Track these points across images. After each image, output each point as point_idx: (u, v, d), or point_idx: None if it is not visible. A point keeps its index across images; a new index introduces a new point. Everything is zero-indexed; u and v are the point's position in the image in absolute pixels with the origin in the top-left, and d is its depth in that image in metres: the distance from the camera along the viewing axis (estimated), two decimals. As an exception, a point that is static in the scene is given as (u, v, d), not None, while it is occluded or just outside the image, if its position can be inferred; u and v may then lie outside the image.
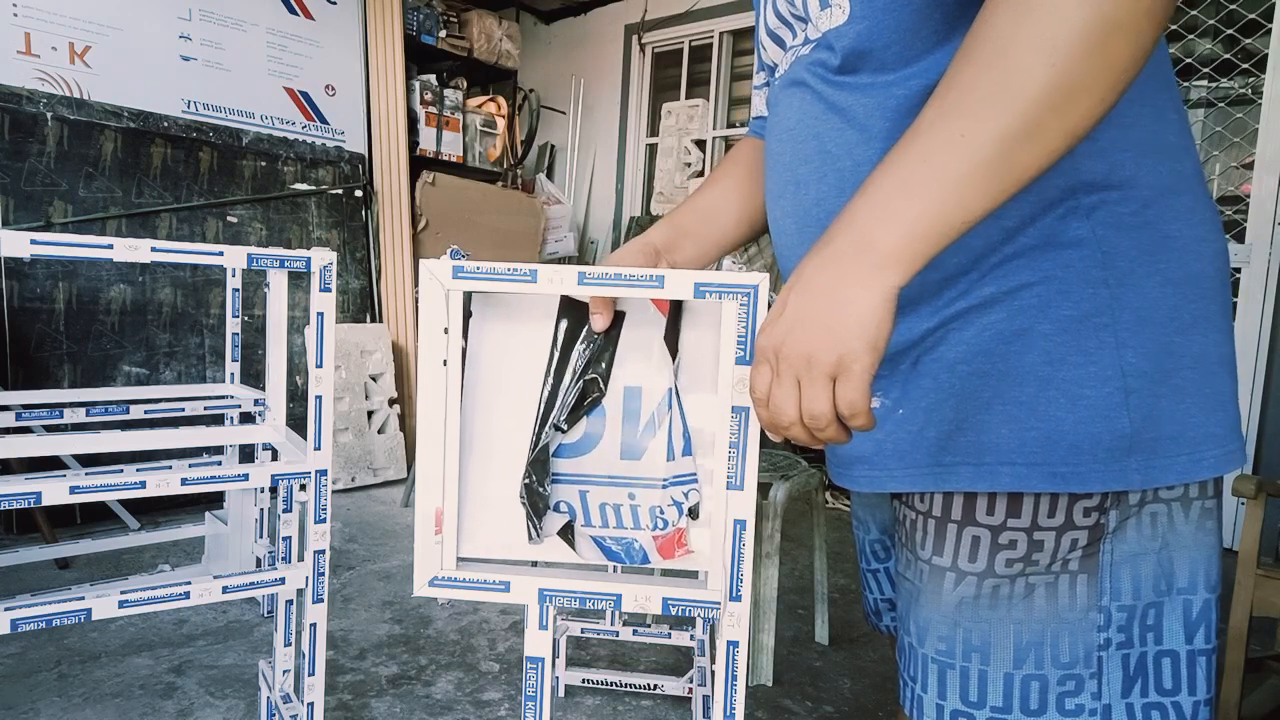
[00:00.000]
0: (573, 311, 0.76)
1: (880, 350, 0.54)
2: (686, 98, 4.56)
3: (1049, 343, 0.65)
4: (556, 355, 0.77)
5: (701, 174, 4.48)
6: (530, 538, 0.78)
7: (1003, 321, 0.66)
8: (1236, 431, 0.68)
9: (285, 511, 1.55)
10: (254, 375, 3.08)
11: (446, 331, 0.77)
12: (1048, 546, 0.67)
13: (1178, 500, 0.68)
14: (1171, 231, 0.66)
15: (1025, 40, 0.50)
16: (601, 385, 0.76)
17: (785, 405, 0.58)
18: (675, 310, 0.76)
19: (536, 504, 0.77)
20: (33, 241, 1.07)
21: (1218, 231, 0.69)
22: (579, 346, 0.76)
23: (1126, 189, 0.65)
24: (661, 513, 0.76)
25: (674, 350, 0.75)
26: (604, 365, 0.76)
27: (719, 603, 0.75)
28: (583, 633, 1.83)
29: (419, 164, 3.91)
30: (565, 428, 0.76)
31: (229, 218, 3.19)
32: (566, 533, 0.78)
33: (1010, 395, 0.66)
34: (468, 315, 0.79)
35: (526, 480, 0.76)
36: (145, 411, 2.00)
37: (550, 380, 0.77)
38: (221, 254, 1.24)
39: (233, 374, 2.21)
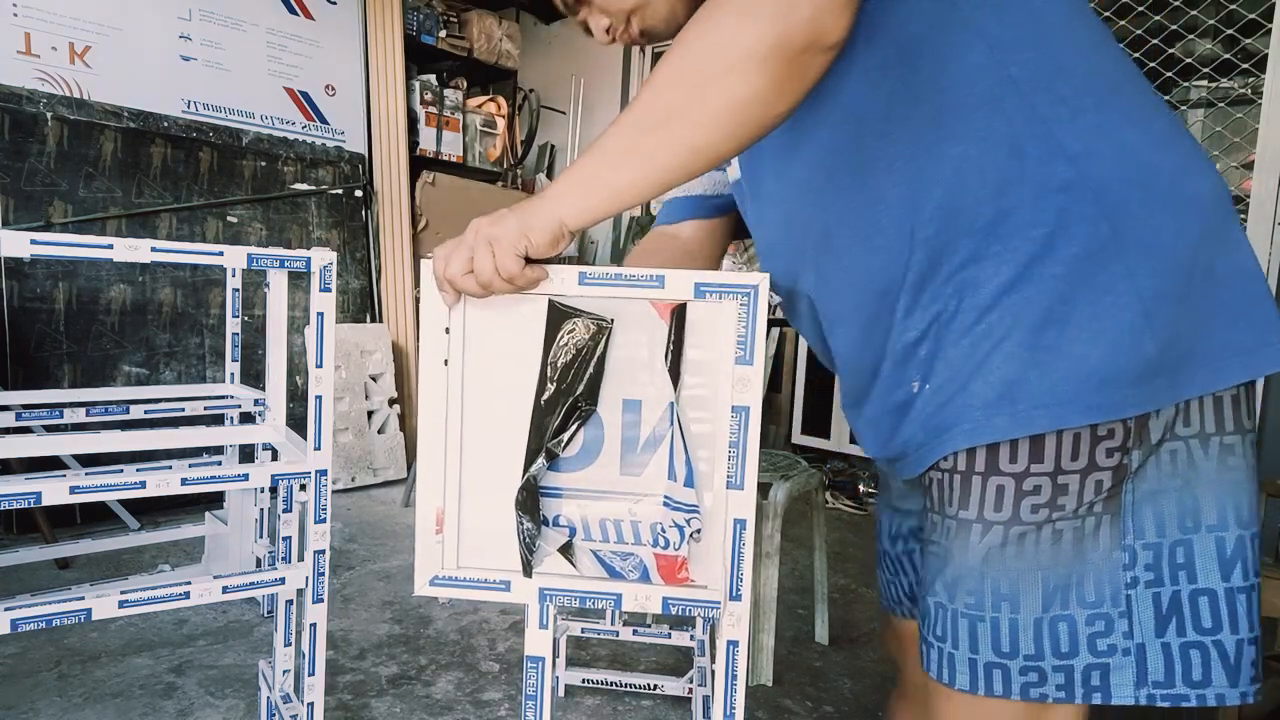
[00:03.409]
0: (559, 320, 0.75)
1: (526, 240, 0.70)
2: (686, 98, 4.55)
3: (1060, 284, 0.66)
4: (545, 370, 0.75)
5: (701, 174, 4.46)
6: (525, 573, 0.77)
7: (1012, 276, 0.68)
8: (1267, 336, 0.68)
9: (285, 511, 1.55)
10: (254, 375, 3.08)
11: (448, 331, 0.77)
12: (1072, 490, 0.68)
13: (1195, 437, 0.69)
14: (1154, 159, 0.68)
15: (664, 67, 0.66)
16: (589, 403, 0.75)
17: (457, 258, 0.71)
18: (678, 334, 0.74)
19: (529, 540, 0.76)
20: (33, 241, 1.07)
21: (1201, 156, 0.71)
22: (563, 360, 0.75)
23: (1100, 129, 0.67)
24: (663, 530, 0.75)
25: (676, 376, 0.74)
26: (591, 380, 0.74)
27: (719, 602, 0.75)
28: (583, 633, 1.83)
29: (419, 164, 3.91)
30: (557, 451, 0.75)
31: (229, 218, 3.19)
32: (566, 550, 0.77)
33: (1032, 342, 0.67)
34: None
35: (519, 519, 0.75)
36: (145, 411, 2.00)
37: (537, 399, 0.75)
38: (221, 254, 1.24)
39: (233, 374, 2.21)
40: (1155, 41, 2.68)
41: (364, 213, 3.67)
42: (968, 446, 0.71)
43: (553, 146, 4.97)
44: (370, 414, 3.49)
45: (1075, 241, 0.66)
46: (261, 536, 2.09)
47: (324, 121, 3.62)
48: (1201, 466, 0.70)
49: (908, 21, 0.69)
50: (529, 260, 0.71)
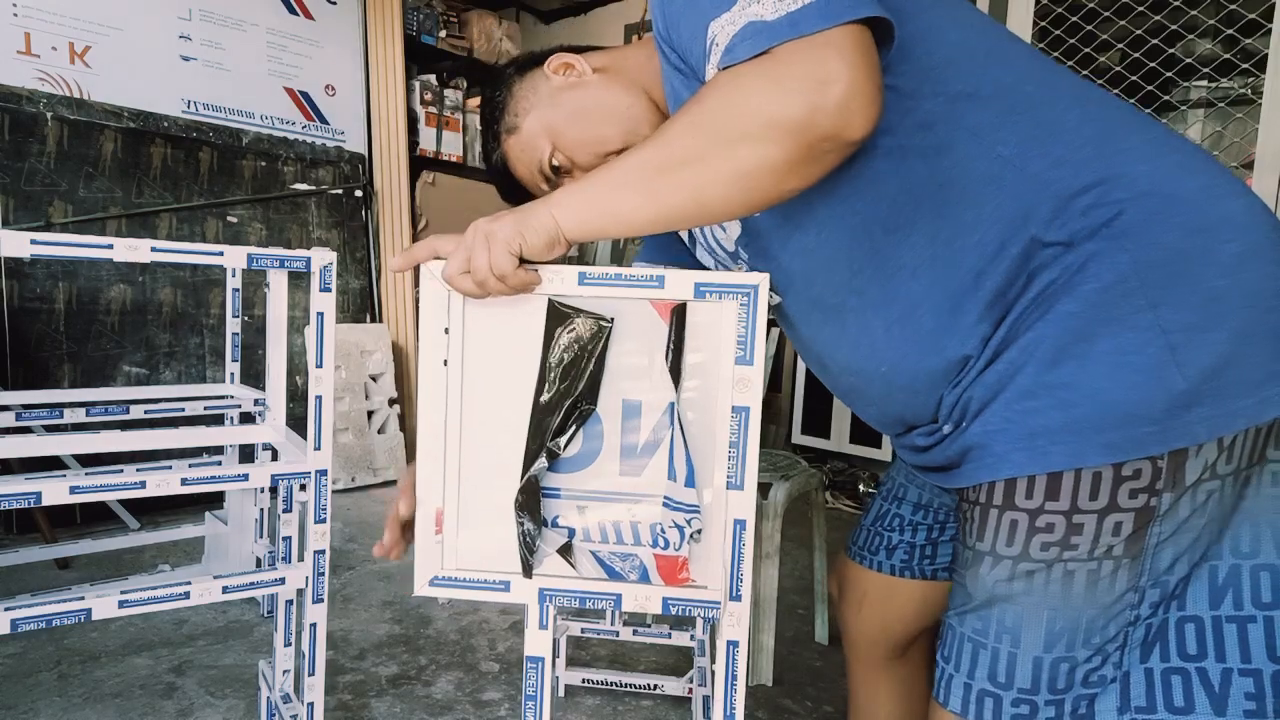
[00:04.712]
0: (559, 320, 0.75)
1: (521, 239, 0.70)
2: (686, 98, 4.55)
3: (1077, 320, 0.65)
4: (545, 370, 0.75)
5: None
6: (525, 573, 0.77)
7: (1035, 320, 0.68)
8: None
9: (285, 511, 1.55)
10: (254, 375, 3.08)
11: (447, 331, 0.77)
12: (1088, 530, 0.67)
13: (1233, 475, 0.67)
14: (1172, 189, 0.66)
15: (686, 114, 0.66)
16: (589, 403, 0.75)
17: (457, 257, 0.72)
18: (679, 334, 0.74)
19: (529, 541, 0.76)
20: (33, 241, 1.07)
21: (1228, 179, 0.69)
22: (563, 360, 0.75)
23: (1107, 176, 0.67)
24: (663, 531, 0.75)
25: (677, 376, 0.74)
26: (590, 380, 0.74)
27: (719, 602, 0.75)
28: (583, 633, 1.83)
29: (419, 164, 3.91)
30: (558, 451, 0.75)
31: (229, 218, 3.19)
32: (565, 551, 0.77)
33: (1049, 380, 0.66)
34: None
35: (519, 519, 0.75)
36: (145, 411, 2.00)
37: (536, 399, 0.75)
38: (221, 254, 1.24)
39: (233, 374, 2.21)
40: (1155, 41, 2.68)
41: (364, 213, 3.67)
42: (988, 480, 0.71)
43: (553, 146, 4.96)
44: (370, 414, 3.49)
45: (1093, 278, 0.65)
46: (261, 536, 2.09)
47: (324, 121, 3.62)
48: (1230, 503, 0.68)
49: (888, 134, 0.70)
50: (524, 262, 0.71)
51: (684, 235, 0.95)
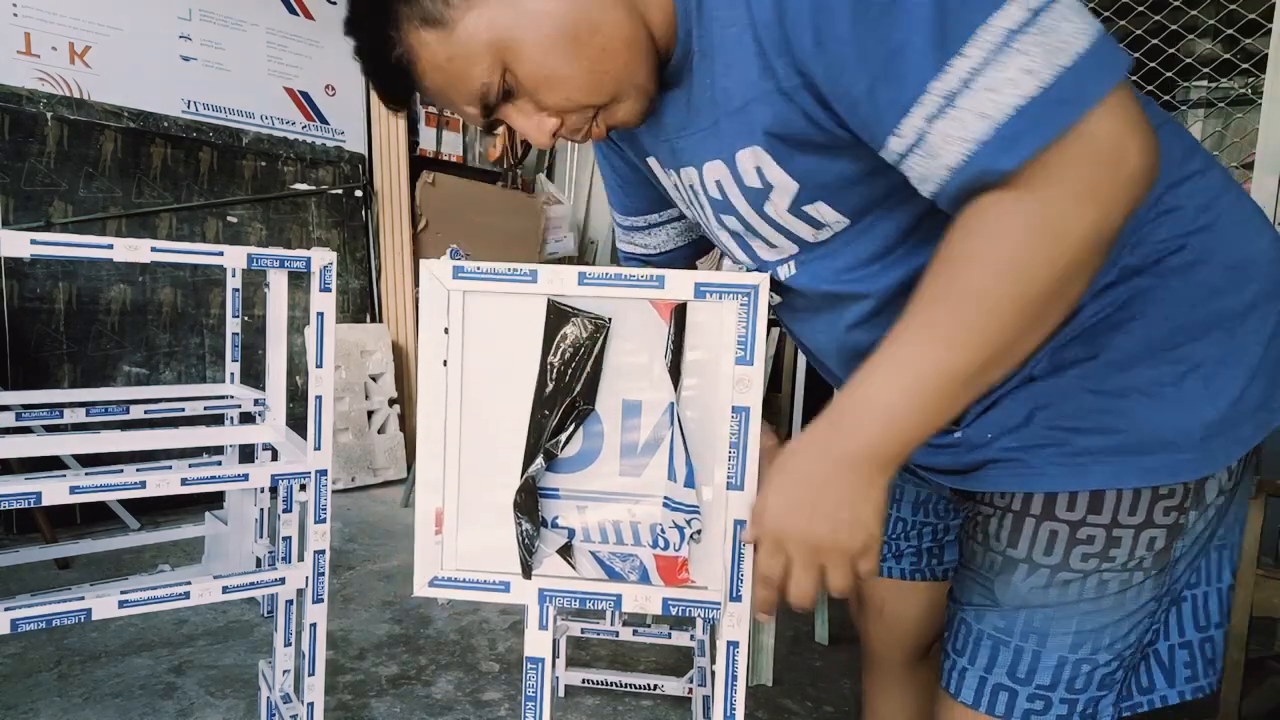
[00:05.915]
0: (558, 320, 0.75)
1: (883, 529, 0.65)
2: (686, 98, 4.54)
3: (1120, 352, 0.68)
4: (544, 370, 0.75)
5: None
6: (524, 574, 0.77)
7: (1076, 348, 0.69)
8: None
9: (285, 511, 1.55)
10: (254, 375, 3.07)
11: (447, 331, 0.77)
12: (1125, 544, 0.69)
13: (1230, 490, 0.72)
14: (1217, 226, 0.68)
15: (982, 294, 0.56)
16: (587, 402, 0.74)
17: (807, 587, 0.65)
18: (679, 333, 0.74)
19: (528, 541, 0.76)
20: (33, 241, 1.07)
21: (1249, 214, 0.71)
22: (562, 359, 0.74)
23: (1159, 219, 0.68)
24: (663, 531, 0.75)
25: (676, 376, 0.74)
26: (589, 379, 0.74)
27: (719, 603, 0.75)
28: (583, 633, 1.83)
29: (419, 164, 3.91)
30: (556, 451, 0.75)
31: (229, 218, 3.19)
32: (565, 551, 0.77)
33: (1092, 406, 0.68)
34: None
35: (517, 520, 0.75)
36: (145, 411, 2.00)
37: (536, 399, 0.75)
38: (221, 254, 1.24)
39: (233, 374, 2.21)
40: (1155, 41, 2.68)
41: (364, 213, 3.67)
42: (1023, 490, 0.72)
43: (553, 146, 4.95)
44: (370, 414, 3.49)
45: (1137, 313, 0.67)
46: (261, 536, 2.09)
47: (324, 121, 3.62)
48: (1223, 516, 0.73)
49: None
50: None
51: (710, 236, 0.85)
